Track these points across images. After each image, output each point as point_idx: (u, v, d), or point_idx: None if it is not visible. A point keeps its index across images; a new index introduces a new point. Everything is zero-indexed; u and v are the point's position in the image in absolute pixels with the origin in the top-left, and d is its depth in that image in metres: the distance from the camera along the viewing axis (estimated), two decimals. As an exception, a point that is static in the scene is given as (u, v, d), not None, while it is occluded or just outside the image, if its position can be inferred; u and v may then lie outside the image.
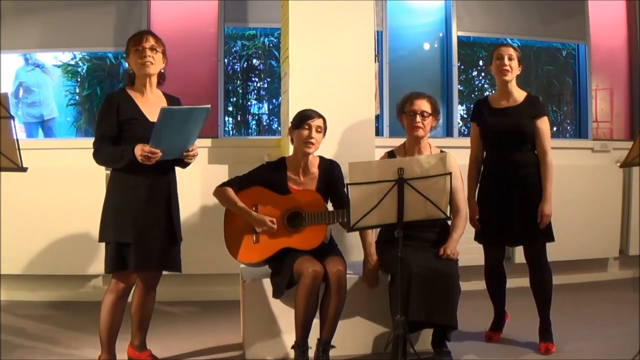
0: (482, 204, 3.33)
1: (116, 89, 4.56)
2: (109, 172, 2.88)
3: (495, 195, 3.25)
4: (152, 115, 2.75)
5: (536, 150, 3.24)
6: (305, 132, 3.05)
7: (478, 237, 3.38)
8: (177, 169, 2.93)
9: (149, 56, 2.77)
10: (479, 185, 3.38)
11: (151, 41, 2.79)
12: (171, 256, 2.86)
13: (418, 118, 3.17)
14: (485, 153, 3.38)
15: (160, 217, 2.80)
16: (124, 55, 2.87)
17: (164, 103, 2.86)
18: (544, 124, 3.23)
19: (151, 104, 2.81)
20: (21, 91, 5.02)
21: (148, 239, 2.74)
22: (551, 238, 3.24)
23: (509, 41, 4.92)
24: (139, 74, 2.81)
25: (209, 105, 2.67)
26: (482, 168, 3.39)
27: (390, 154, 3.31)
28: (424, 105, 3.19)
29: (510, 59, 3.23)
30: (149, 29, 2.91)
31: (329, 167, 3.18)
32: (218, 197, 3.10)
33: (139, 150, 2.64)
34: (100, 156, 2.76)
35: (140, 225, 2.73)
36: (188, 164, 2.88)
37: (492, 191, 3.28)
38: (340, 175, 3.18)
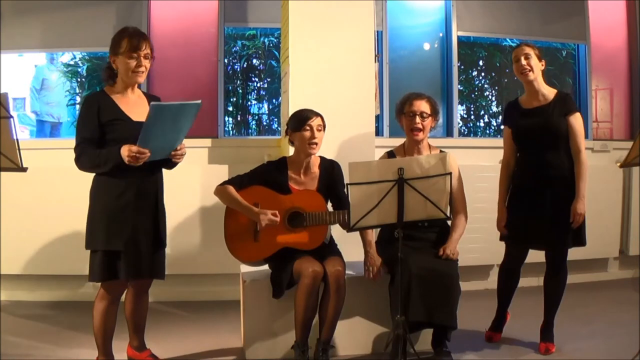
0: (513, 205, 3.26)
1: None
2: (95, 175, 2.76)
3: (527, 196, 3.19)
4: (135, 115, 2.67)
5: (570, 149, 3.16)
6: (308, 134, 3.04)
7: (503, 237, 3.32)
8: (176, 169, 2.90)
9: (144, 65, 2.67)
10: (511, 186, 3.32)
11: (147, 49, 2.67)
12: (157, 263, 2.79)
13: (417, 119, 3.16)
14: (517, 155, 3.31)
15: (148, 223, 2.72)
16: (111, 51, 2.68)
17: (145, 102, 2.76)
18: (576, 120, 3.15)
19: (132, 103, 2.72)
20: (41, 88, 5.01)
21: (138, 247, 2.67)
22: (582, 242, 3.19)
23: (509, 41, 4.93)
24: (127, 79, 2.69)
25: (199, 101, 2.57)
26: (514, 170, 3.30)
27: (390, 154, 3.31)
28: (423, 106, 3.19)
29: (527, 58, 3.16)
30: (137, 28, 2.78)
31: (329, 168, 3.17)
32: (219, 195, 3.10)
33: (126, 151, 2.53)
34: (83, 161, 2.61)
35: (129, 232, 2.65)
36: (175, 164, 2.79)
37: (523, 192, 3.22)
38: (340, 175, 3.18)
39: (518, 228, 3.23)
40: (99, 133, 2.63)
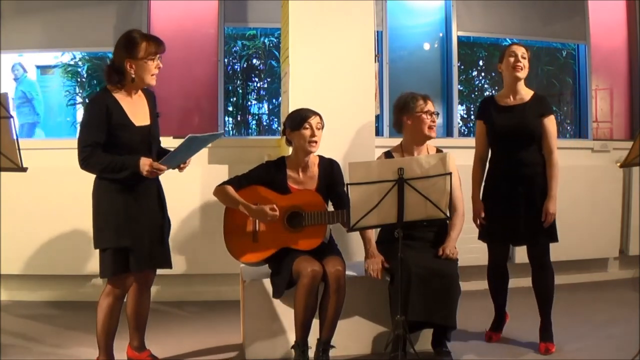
0: (487, 203, 3.31)
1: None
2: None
3: (501, 193, 3.24)
4: (138, 120, 2.72)
5: (542, 149, 3.22)
6: (308, 132, 3.04)
7: (482, 236, 3.36)
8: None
9: (159, 67, 2.74)
10: (483, 183, 3.37)
11: (163, 53, 2.74)
12: (162, 254, 2.86)
13: (434, 118, 3.20)
14: (490, 151, 3.36)
15: (152, 219, 2.79)
16: (127, 55, 2.67)
17: (144, 101, 2.80)
18: (550, 122, 3.22)
19: (135, 105, 2.75)
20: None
21: (144, 241, 2.73)
22: (555, 238, 3.23)
23: (509, 41, 4.92)
24: (141, 82, 2.71)
25: (223, 132, 2.69)
26: (487, 166, 3.37)
27: (388, 154, 3.30)
28: (434, 106, 3.23)
29: (523, 57, 3.23)
30: (145, 31, 2.85)
31: (328, 167, 3.17)
32: (218, 195, 3.10)
33: (147, 166, 2.62)
34: (93, 164, 2.63)
35: (136, 228, 2.71)
36: None
37: (497, 190, 3.27)
38: (339, 174, 3.18)
39: (494, 225, 3.27)
40: (105, 136, 2.64)
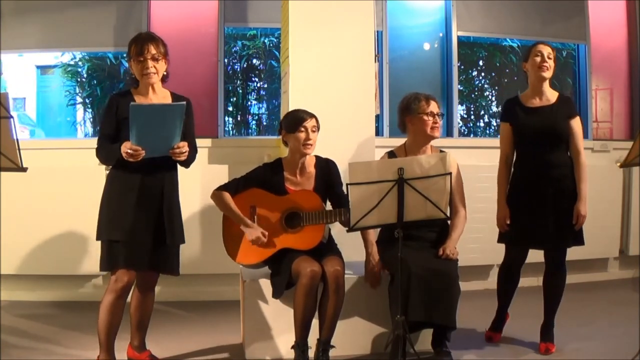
0: (513, 205, 3.25)
1: (116, 89, 4.57)
2: (108, 171, 2.92)
3: (528, 196, 3.19)
4: None
5: (569, 150, 3.20)
6: (302, 135, 3.04)
7: (502, 238, 3.32)
8: (180, 169, 2.92)
9: (152, 67, 2.78)
10: (509, 185, 3.31)
11: (152, 50, 2.77)
12: (164, 258, 2.84)
13: (437, 118, 3.18)
14: (516, 153, 3.31)
15: (150, 218, 2.78)
16: (126, 58, 2.87)
17: (168, 102, 2.86)
18: (577, 124, 3.20)
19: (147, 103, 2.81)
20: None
21: (137, 239, 2.74)
22: (581, 241, 3.22)
23: (509, 41, 4.94)
24: (141, 82, 2.83)
25: (183, 103, 2.67)
26: (512, 169, 3.32)
27: (391, 154, 3.30)
28: (438, 106, 3.21)
29: (549, 57, 3.20)
30: (149, 32, 2.96)
31: (325, 167, 3.17)
32: (215, 201, 3.10)
33: (123, 147, 2.66)
34: (99, 155, 2.80)
35: (129, 224, 2.73)
36: (188, 162, 2.87)
37: (524, 192, 3.22)
38: (337, 173, 3.17)
39: (519, 228, 3.22)
40: (115, 129, 2.79)
